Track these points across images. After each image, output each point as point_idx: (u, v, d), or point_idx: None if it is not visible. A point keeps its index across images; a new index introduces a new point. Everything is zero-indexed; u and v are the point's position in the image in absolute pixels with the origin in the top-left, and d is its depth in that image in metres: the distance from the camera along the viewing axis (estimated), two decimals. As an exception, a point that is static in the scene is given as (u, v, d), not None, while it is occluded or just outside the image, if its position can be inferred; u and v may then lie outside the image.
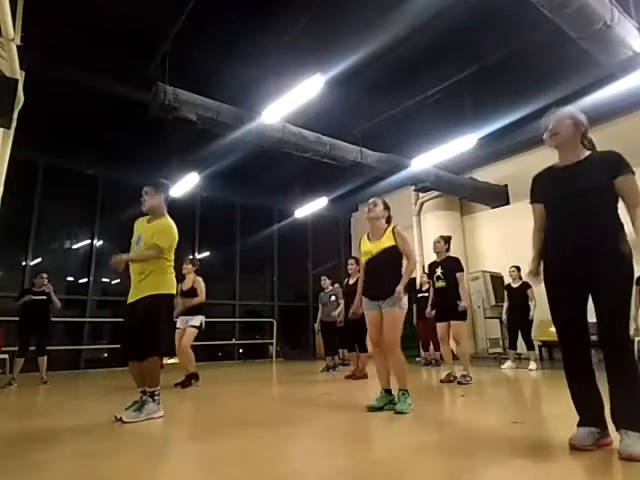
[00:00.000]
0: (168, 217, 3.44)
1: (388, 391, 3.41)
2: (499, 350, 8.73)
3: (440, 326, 5.25)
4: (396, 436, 2.65)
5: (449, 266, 5.22)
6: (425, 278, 7.60)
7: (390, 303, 3.27)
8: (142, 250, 3.28)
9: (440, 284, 5.26)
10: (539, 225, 2.37)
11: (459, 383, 4.88)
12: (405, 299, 3.33)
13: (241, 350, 11.34)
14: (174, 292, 3.38)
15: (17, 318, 6.09)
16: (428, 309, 6.00)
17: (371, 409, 3.28)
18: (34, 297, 6.03)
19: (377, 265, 3.41)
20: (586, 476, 1.89)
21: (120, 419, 2.98)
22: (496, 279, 9.18)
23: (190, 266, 5.62)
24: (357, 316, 3.70)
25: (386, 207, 3.57)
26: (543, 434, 2.58)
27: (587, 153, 2.27)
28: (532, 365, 6.51)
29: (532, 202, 2.42)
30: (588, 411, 2.12)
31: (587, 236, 2.11)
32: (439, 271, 5.27)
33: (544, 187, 2.36)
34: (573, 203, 2.18)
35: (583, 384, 2.15)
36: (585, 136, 2.30)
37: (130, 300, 3.25)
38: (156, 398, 3.18)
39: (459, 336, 5.16)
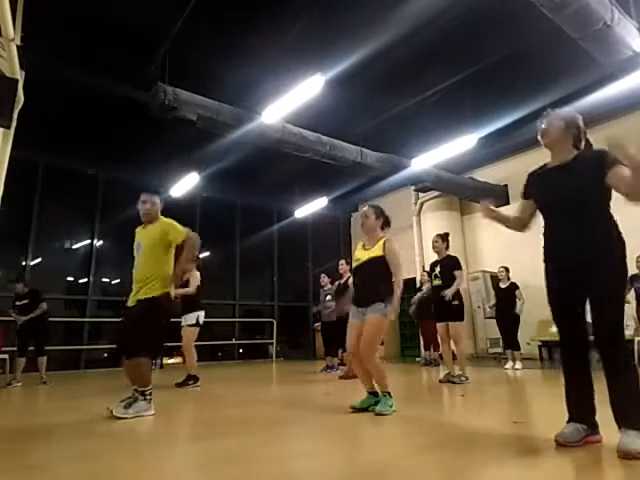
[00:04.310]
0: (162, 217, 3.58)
1: (372, 393, 3.35)
2: (499, 350, 8.72)
3: (439, 326, 5.26)
4: (395, 436, 2.65)
5: (446, 265, 5.22)
6: (426, 277, 7.65)
7: (373, 310, 3.18)
8: (145, 254, 3.39)
9: (436, 282, 5.27)
10: (517, 215, 2.46)
11: (453, 382, 4.90)
12: (390, 309, 3.18)
13: (241, 350, 11.35)
14: (168, 290, 3.34)
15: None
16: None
17: (354, 409, 3.26)
18: (19, 303, 6.02)
19: (363, 273, 3.37)
20: (586, 475, 1.89)
21: (111, 411, 3.09)
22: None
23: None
24: (342, 313, 3.69)
25: (379, 215, 3.46)
26: (543, 434, 2.58)
27: (575, 153, 2.24)
28: (509, 364, 6.60)
29: (522, 197, 2.46)
30: (577, 408, 2.15)
31: (577, 247, 2.12)
32: (437, 270, 5.29)
33: (535, 186, 2.38)
34: (561, 207, 2.20)
35: (578, 382, 2.17)
36: (579, 139, 2.27)
37: (129, 304, 3.36)
38: (147, 397, 3.22)
39: (457, 337, 5.17)
